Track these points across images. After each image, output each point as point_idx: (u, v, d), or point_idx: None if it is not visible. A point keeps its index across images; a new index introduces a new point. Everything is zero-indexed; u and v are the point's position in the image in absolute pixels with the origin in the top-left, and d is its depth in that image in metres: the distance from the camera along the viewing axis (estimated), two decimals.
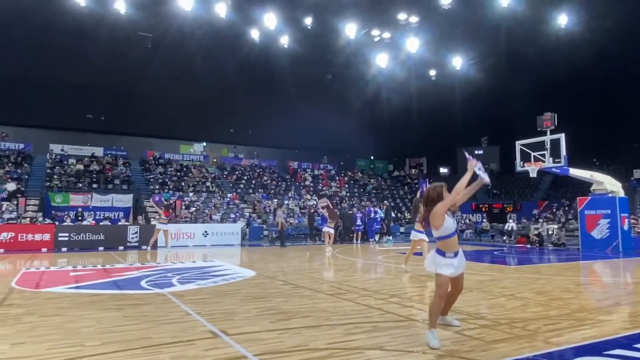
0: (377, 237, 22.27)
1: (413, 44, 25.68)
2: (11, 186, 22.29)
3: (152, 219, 21.20)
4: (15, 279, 8.65)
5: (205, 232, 19.64)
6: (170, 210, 18.35)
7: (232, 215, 25.05)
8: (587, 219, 17.23)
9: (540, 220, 24.50)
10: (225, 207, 26.01)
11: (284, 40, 25.20)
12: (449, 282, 4.53)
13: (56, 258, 13.43)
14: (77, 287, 7.63)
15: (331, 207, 16.00)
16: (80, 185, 24.76)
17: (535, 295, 6.89)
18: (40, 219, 20.12)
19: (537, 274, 9.56)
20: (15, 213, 20.35)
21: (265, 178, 32.25)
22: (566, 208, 27.06)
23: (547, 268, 11.35)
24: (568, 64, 24.19)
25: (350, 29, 24.37)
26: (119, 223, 20.58)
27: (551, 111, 17.48)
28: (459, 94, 30.59)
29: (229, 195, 27.91)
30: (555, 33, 24.07)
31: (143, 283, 8.11)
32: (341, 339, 4.36)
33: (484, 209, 31.25)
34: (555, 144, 17.15)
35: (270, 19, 23.14)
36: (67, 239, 16.78)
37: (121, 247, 17.21)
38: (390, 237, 22.13)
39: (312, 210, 23.63)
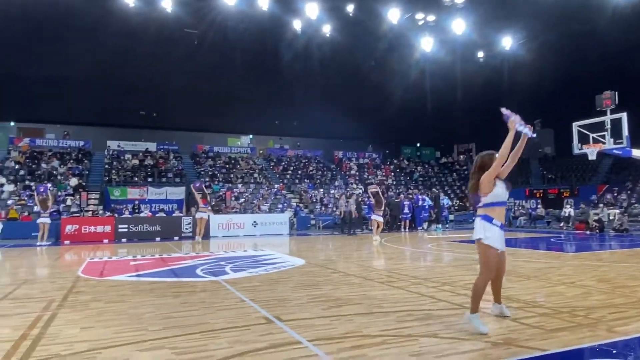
0: (425, 225, 21.92)
1: (459, 26, 24.80)
2: (73, 181, 23.72)
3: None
4: (81, 268, 9.22)
5: (255, 222, 20.08)
6: (208, 198, 18.71)
7: (280, 206, 25.46)
8: None
9: (601, 205, 23.18)
10: (272, 198, 26.47)
11: (326, 29, 25.09)
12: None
13: (117, 248, 14.20)
14: (137, 276, 8.03)
15: (380, 193, 15.88)
16: (136, 179, 25.97)
17: (597, 282, 6.56)
18: (101, 212, 21.31)
19: (599, 261, 9.09)
20: (78, 207, 21.65)
21: (310, 168, 32.47)
22: (629, 192, 25.45)
23: (609, 255, 10.77)
24: (627, 39, 22.54)
25: (393, 14, 23.87)
26: (174, 214, 21.41)
27: (610, 90, 16.40)
28: (508, 76, 29.28)
29: (276, 185, 28.36)
30: (611, 6, 22.45)
31: (198, 271, 8.42)
32: (394, 326, 4.34)
33: (538, 195, 29.96)
34: (616, 124, 16.09)
35: (312, 9, 23.09)
36: (126, 230, 17.71)
37: (176, 237, 17.95)
38: (439, 225, 21.71)
39: (360, 199, 23.52)
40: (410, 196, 24.13)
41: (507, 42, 27.16)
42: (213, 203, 22.30)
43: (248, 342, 3.91)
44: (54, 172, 24.89)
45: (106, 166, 27.00)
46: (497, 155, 4.40)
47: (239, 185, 27.36)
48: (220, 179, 27.93)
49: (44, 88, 24.90)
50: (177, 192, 24.70)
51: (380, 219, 15.51)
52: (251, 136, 35.34)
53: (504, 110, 4.50)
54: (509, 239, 13.24)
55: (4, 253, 13.05)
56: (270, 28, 24.60)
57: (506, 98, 30.73)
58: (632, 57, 23.87)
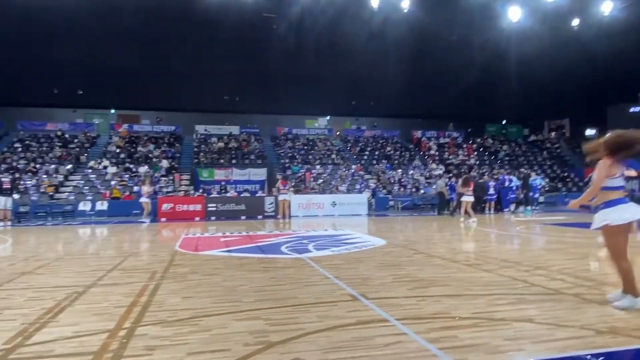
0: (512, 207, 20.80)
1: None
2: (165, 163, 25.59)
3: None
4: (178, 243, 9.98)
5: (334, 202, 20.35)
6: (288, 181, 19.17)
7: (357, 186, 25.52)
8: None
9: None
10: (350, 179, 26.58)
11: (405, 4, 24.32)
12: None
13: (207, 225, 15.17)
14: (228, 251, 8.53)
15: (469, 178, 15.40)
16: (222, 161, 27.41)
17: None
18: (192, 192, 22.86)
19: None
20: (172, 187, 23.37)
21: (388, 148, 32.05)
22: None
23: None
24: None
25: None
26: (257, 195, 22.37)
27: None
28: (607, 44, 26.39)
29: (353, 166, 28.41)
30: None
31: (283, 248, 8.75)
32: (485, 309, 4.21)
33: None
34: None
35: None
36: (215, 209, 18.86)
37: (260, 216, 18.76)
38: (529, 207, 20.47)
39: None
40: (496, 177, 22.97)
41: (607, 6, 24.50)
42: (293, 184, 22.94)
43: (336, 317, 4.01)
44: (150, 155, 27.00)
45: (195, 149, 28.76)
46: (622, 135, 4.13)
47: (317, 167, 27.80)
48: (299, 161, 28.56)
49: (139, 77, 26.92)
50: (260, 173, 25.76)
51: (470, 199, 15.00)
52: (328, 117, 35.57)
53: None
54: None
55: (110, 229, 14.48)
56: (345, 8, 24.36)
57: (605, 69, 27.89)
58: None
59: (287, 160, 28.38)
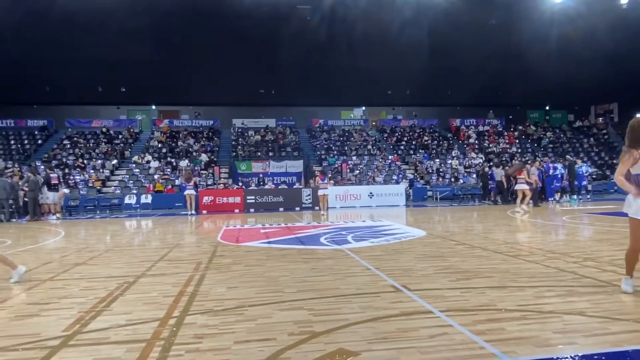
0: (557, 196, 20.04)
1: None
2: (204, 157, 26.18)
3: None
4: (220, 234, 10.23)
5: (371, 193, 20.27)
6: (325, 174, 19.03)
7: (394, 177, 25.27)
8: None
9: None
10: (387, 169, 26.35)
11: None
12: None
13: (247, 217, 15.45)
14: (268, 242, 8.66)
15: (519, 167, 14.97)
16: (259, 154, 27.77)
17: None
18: (231, 184, 23.32)
19: None
20: (212, 180, 23.91)
21: (425, 138, 31.51)
22: None
23: None
24: None
25: None
26: (294, 187, 22.56)
27: None
28: None
29: (390, 157, 28.14)
30: None
31: (322, 240, 8.81)
32: (532, 302, 4.09)
33: None
34: None
35: None
36: (253, 201, 19.18)
37: (297, 208, 18.93)
38: (575, 196, 19.66)
39: (483, 171, 22.28)
40: (540, 165, 22.13)
41: None
42: (330, 175, 22.95)
43: (379, 308, 4.01)
44: (190, 149, 27.69)
45: (233, 142, 29.26)
46: None
47: (354, 157, 27.70)
48: (336, 152, 28.53)
49: (177, 74, 27.56)
50: (296, 165, 25.93)
51: (525, 187, 14.59)
52: (364, 108, 35.30)
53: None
54: None
55: (155, 221, 15.00)
56: None
57: None
58: None
59: (323, 152, 28.42)
